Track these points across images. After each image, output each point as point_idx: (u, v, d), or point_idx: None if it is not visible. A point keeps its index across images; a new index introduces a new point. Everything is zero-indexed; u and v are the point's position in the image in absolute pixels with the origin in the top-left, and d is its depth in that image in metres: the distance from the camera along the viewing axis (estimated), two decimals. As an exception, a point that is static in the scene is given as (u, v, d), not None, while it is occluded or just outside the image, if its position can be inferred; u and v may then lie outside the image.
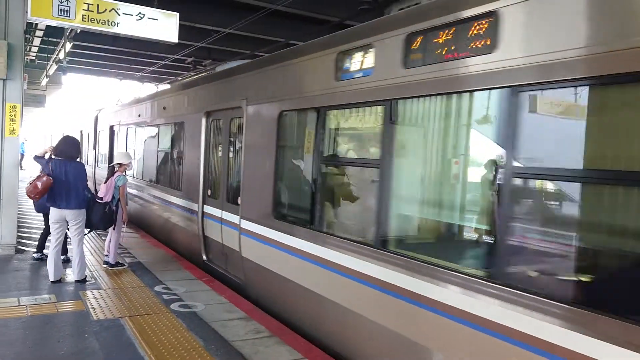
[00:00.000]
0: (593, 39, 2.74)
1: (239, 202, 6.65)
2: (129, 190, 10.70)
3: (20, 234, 8.99)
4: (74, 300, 5.84)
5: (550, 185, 3.27)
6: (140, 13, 8.02)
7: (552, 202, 3.39)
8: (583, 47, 2.75)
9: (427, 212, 4.41)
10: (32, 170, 7.66)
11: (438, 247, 4.24)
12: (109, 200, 7.17)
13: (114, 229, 7.34)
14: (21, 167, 13.61)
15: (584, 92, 2.95)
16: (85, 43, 16.55)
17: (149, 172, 11.16)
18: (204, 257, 7.83)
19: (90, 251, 8.39)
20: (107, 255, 7.47)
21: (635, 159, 2.71)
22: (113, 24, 7.82)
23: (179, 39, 8.45)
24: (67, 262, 7.25)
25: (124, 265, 7.53)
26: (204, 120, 7.96)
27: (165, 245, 9.33)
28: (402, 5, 5.24)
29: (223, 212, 7.23)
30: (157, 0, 8.58)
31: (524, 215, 3.35)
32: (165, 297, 6.09)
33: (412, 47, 3.90)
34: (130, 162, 7.94)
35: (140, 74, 23.45)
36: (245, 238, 6.44)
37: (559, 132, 3.23)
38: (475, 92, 3.52)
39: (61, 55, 17.21)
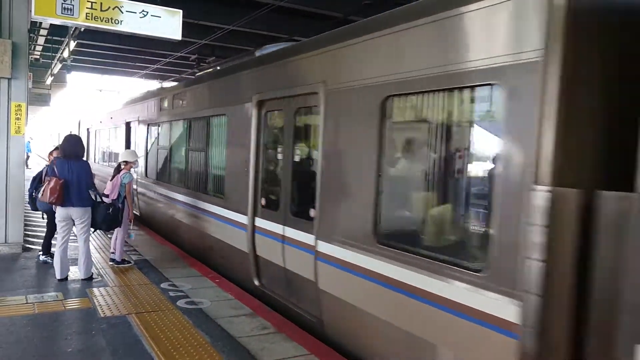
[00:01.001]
0: None
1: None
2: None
3: (27, 232, 9.04)
4: (81, 297, 5.86)
5: None
6: (143, 11, 8.02)
7: None
8: None
9: None
10: (37, 170, 7.64)
11: None
12: (114, 198, 7.20)
13: (120, 226, 7.36)
14: (27, 165, 13.67)
15: None
16: (89, 42, 16.59)
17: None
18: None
19: (96, 249, 8.43)
20: (113, 253, 7.50)
21: None
22: (117, 21, 7.82)
23: (182, 37, 8.45)
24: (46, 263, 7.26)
25: (130, 262, 7.56)
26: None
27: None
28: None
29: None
30: (160, -2, 8.60)
31: None
32: (171, 294, 6.11)
33: None
34: (137, 160, 7.94)
35: (144, 71, 23.49)
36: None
37: None
38: None
39: (65, 54, 17.27)
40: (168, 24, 8.27)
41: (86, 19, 7.61)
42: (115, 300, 5.78)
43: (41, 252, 7.58)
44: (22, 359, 4.23)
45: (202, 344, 4.62)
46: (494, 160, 3.32)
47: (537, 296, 2.87)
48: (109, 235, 8.62)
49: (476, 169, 3.68)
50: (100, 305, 5.61)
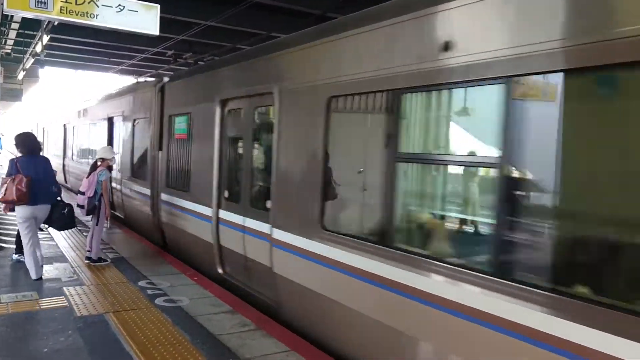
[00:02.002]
0: None
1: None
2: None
3: (-1, 231, 8.85)
4: (56, 297, 5.77)
5: None
6: (120, 5, 7.87)
7: None
8: None
9: None
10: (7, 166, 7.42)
11: None
12: (91, 196, 7.09)
13: (96, 224, 7.26)
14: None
15: None
16: (63, 36, 16.25)
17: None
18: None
19: (72, 247, 8.29)
20: (89, 251, 7.39)
21: None
22: (92, 16, 7.66)
23: (159, 32, 8.33)
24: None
25: (107, 260, 7.46)
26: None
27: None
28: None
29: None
30: (137, -8, 8.45)
31: None
32: (149, 292, 6.05)
33: None
34: (114, 157, 7.83)
35: (120, 67, 23.11)
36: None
37: None
38: None
39: (38, 48, 16.86)
40: (145, 19, 8.12)
41: (60, 12, 7.43)
42: (92, 299, 5.71)
43: (15, 251, 7.42)
44: (-3, 360, 4.16)
45: (182, 341, 4.60)
46: None
47: None
48: (84, 234, 8.48)
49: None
50: (76, 304, 5.52)
